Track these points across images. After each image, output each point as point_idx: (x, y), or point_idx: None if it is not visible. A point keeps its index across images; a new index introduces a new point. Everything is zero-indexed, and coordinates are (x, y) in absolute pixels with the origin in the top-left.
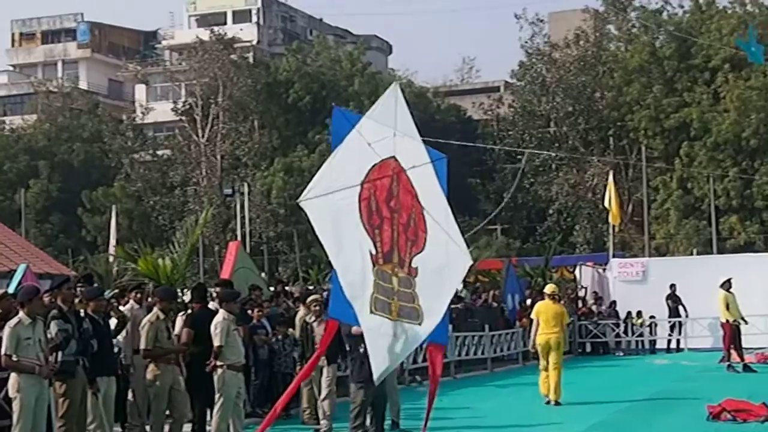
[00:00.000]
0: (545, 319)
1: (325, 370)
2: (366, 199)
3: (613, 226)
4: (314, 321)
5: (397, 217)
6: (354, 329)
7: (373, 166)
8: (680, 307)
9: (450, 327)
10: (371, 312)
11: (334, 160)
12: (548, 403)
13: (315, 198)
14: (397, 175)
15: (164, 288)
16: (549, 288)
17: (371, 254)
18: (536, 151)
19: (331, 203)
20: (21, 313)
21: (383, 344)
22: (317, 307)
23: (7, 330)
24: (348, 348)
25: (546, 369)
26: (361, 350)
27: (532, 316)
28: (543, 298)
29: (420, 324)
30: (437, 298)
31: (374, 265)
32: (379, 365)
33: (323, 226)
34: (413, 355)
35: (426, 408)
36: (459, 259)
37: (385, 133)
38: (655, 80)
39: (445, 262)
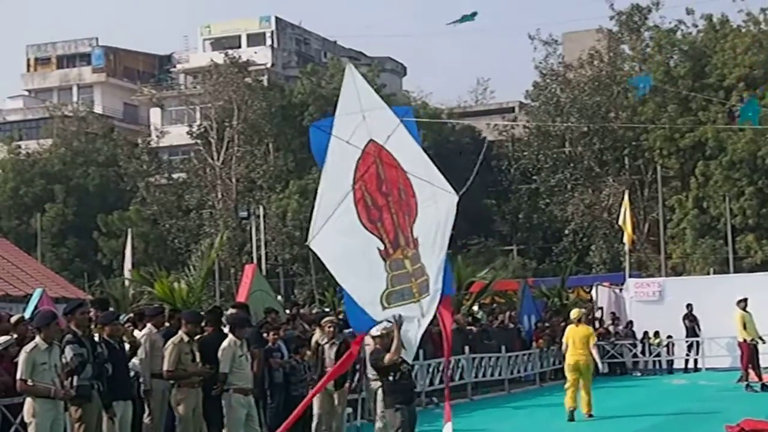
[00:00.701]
0: (573, 342)
1: (335, 396)
2: (361, 199)
3: (630, 246)
4: (326, 343)
5: (390, 199)
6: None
7: (358, 160)
8: (696, 327)
9: (467, 348)
10: (384, 308)
11: (324, 182)
12: (571, 417)
13: (318, 234)
14: (378, 157)
15: (191, 311)
16: (574, 313)
17: (380, 251)
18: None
19: (331, 228)
20: (37, 338)
21: (408, 328)
22: (330, 329)
23: (23, 355)
24: (375, 376)
25: (573, 386)
26: (391, 378)
27: (563, 340)
28: (560, 318)
29: (429, 292)
30: (438, 253)
31: (385, 261)
32: (409, 348)
33: (330, 257)
34: (430, 376)
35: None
36: (446, 200)
37: (355, 121)
38: (669, 100)
39: (435, 210)
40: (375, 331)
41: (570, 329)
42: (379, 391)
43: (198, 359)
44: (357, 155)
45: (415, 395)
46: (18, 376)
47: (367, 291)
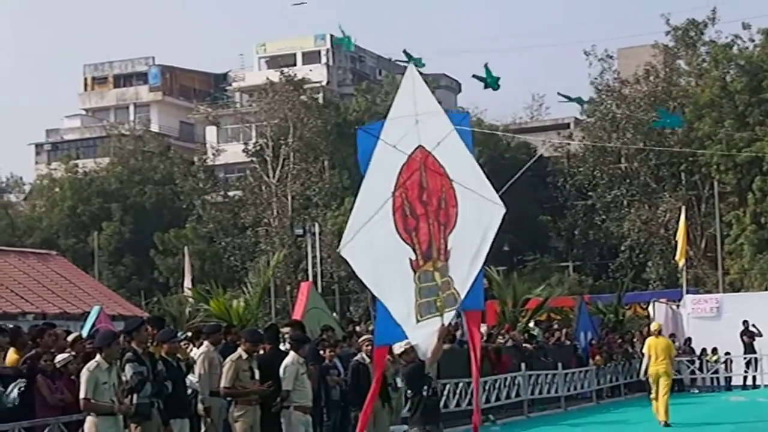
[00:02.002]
0: (654, 353)
1: (385, 413)
2: (400, 208)
3: (686, 262)
4: (369, 362)
5: (429, 208)
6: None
7: (402, 167)
8: (755, 343)
9: (523, 365)
10: (417, 321)
11: (364, 188)
12: (662, 424)
13: (350, 242)
14: (424, 164)
15: (251, 330)
16: (654, 325)
17: (411, 262)
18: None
19: (365, 236)
20: (99, 357)
21: (429, 342)
22: (369, 347)
23: (86, 373)
24: (408, 388)
25: (656, 398)
26: (424, 393)
27: (644, 351)
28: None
29: (455, 306)
30: (472, 264)
31: (415, 272)
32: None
33: (362, 265)
34: (487, 393)
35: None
36: (493, 212)
37: (407, 125)
38: (726, 115)
39: (477, 221)
40: (397, 348)
41: (650, 341)
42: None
43: (257, 376)
44: (402, 161)
45: (441, 415)
46: (81, 395)
47: (401, 305)
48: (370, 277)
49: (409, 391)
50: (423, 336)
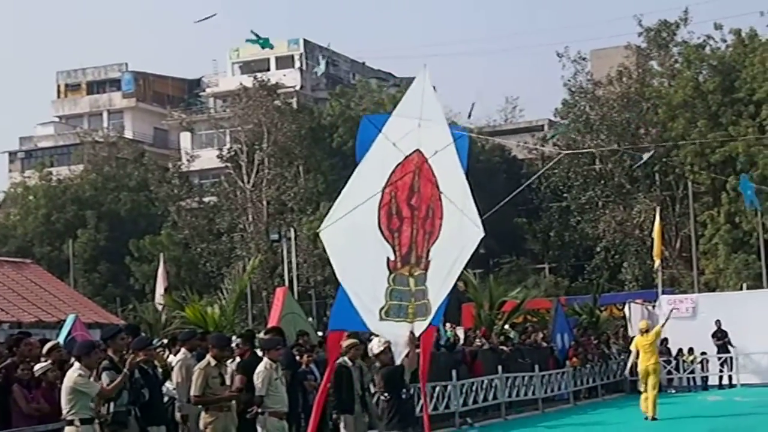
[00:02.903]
0: (642, 350)
1: (341, 424)
2: (386, 205)
3: (661, 262)
4: (351, 365)
5: (416, 213)
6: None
7: (397, 165)
8: (728, 343)
9: (500, 368)
10: (381, 319)
11: (355, 177)
12: (646, 419)
13: (330, 225)
14: (419, 168)
15: (218, 335)
16: (642, 324)
17: (388, 261)
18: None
19: (348, 222)
20: (78, 366)
21: (399, 343)
22: (352, 350)
23: (69, 384)
24: (384, 391)
25: (646, 391)
26: (403, 396)
27: (631, 348)
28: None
29: (427, 317)
30: (444, 282)
31: (391, 272)
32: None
33: (335, 249)
34: (464, 397)
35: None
36: (471, 233)
37: (409, 126)
38: (699, 115)
39: (457, 239)
40: (376, 347)
41: (637, 338)
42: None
43: (227, 382)
44: (398, 159)
45: (416, 419)
46: (63, 404)
47: (365, 295)
48: (339, 262)
49: (386, 394)
50: (389, 335)
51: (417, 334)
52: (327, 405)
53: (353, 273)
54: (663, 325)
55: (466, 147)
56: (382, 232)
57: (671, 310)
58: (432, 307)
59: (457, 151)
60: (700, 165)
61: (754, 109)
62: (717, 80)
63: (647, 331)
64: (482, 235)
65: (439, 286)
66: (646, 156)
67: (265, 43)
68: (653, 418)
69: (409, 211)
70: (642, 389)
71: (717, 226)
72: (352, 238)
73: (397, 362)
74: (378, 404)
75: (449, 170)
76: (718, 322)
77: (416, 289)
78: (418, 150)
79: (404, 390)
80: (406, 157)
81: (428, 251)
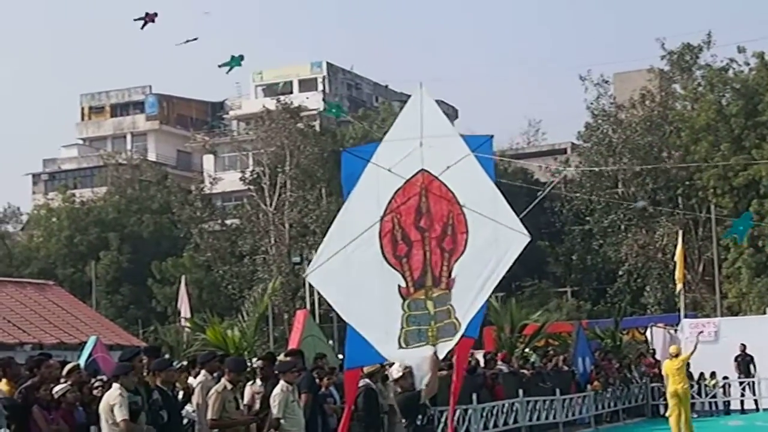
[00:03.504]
0: (672, 374)
1: None
2: (389, 232)
3: (684, 286)
4: (376, 385)
5: (428, 234)
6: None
7: (396, 191)
8: (753, 366)
9: (521, 392)
10: (400, 347)
11: (344, 214)
12: None
13: (320, 267)
14: (425, 189)
15: (234, 359)
16: (673, 348)
17: (400, 288)
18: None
19: (341, 260)
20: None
21: (423, 368)
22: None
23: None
24: (402, 416)
25: (674, 412)
26: (419, 422)
27: (664, 373)
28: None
29: (455, 336)
30: (478, 294)
31: (404, 299)
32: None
33: (332, 291)
34: (485, 420)
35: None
36: (512, 240)
37: (408, 148)
38: (722, 138)
39: (491, 248)
40: (396, 372)
41: (666, 362)
42: None
43: (242, 407)
44: (397, 185)
45: None
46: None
47: (376, 330)
48: (341, 304)
49: (403, 420)
50: (411, 360)
51: (442, 355)
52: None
53: (358, 310)
54: (693, 352)
55: (490, 152)
56: (388, 261)
57: (698, 334)
58: (461, 323)
59: (479, 160)
60: (723, 188)
61: None
62: (740, 103)
63: (677, 355)
64: (528, 239)
65: (471, 299)
66: (640, 203)
67: (236, 62)
68: None
69: (419, 234)
70: (668, 413)
71: (740, 249)
72: (350, 274)
73: (418, 386)
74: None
75: (470, 181)
76: (742, 346)
77: (436, 310)
78: (423, 170)
79: (421, 416)
80: (407, 180)
81: (450, 269)
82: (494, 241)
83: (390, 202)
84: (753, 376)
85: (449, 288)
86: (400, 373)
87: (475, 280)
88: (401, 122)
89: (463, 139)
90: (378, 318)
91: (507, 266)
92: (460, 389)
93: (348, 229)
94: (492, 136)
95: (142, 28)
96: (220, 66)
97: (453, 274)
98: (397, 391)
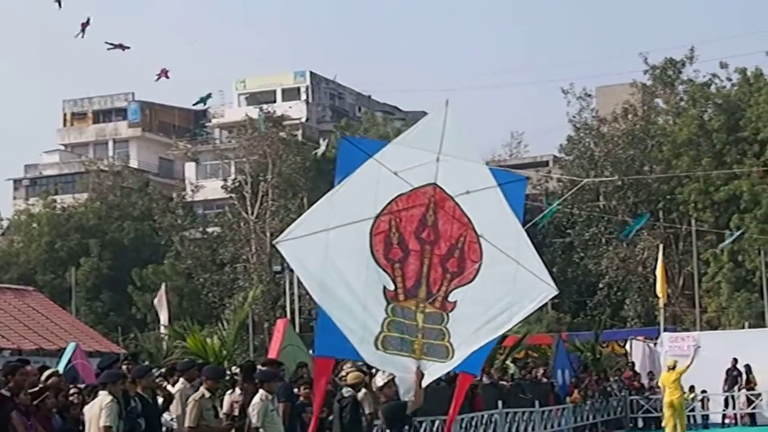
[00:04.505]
0: (668, 385)
1: None
2: (383, 233)
3: (664, 300)
4: (358, 395)
5: (429, 248)
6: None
7: (400, 195)
8: (740, 380)
9: (500, 403)
10: (377, 349)
11: (333, 196)
12: None
13: (296, 239)
14: (435, 204)
15: (212, 367)
16: (670, 361)
17: (386, 290)
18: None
19: (320, 240)
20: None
21: (404, 377)
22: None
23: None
24: (387, 427)
25: (670, 423)
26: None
27: (660, 384)
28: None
29: (446, 360)
30: (482, 329)
31: (390, 302)
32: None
33: (306, 266)
34: (464, 431)
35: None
36: (533, 287)
37: (422, 158)
38: (704, 153)
39: (508, 290)
40: (379, 380)
41: (663, 374)
42: None
43: (220, 415)
44: (402, 189)
45: None
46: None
47: (355, 320)
48: (312, 284)
49: (388, 430)
50: (389, 366)
51: (430, 377)
52: None
53: (333, 297)
54: (689, 366)
55: (522, 194)
56: (376, 260)
57: (696, 349)
58: (455, 351)
59: (506, 196)
60: (704, 203)
61: (758, 147)
62: (722, 119)
63: (673, 368)
64: (555, 292)
65: (472, 331)
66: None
67: (205, 99)
68: None
69: (418, 245)
70: (663, 424)
71: (720, 264)
72: (327, 258)
73: (403, 398)
74: None
75: (493, 213)
76: (734, 360)
77: (425, 326)
78: (434, 184)
79: (406, 426)
80: (415, 188)
81: (448, 291)
82: (512, 281)
83: (390, 203)
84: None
85: (445, 310)
86: (384, 381)
87: (480, 314)
88: (418, 131)
89: (490, 170)
90: (357, 312)
91: (525, 313)
92: (450, 400)
93: (334, 214)
94: (527, 179)
95: (111, 48)
96: (194, 104)
97: (452, 298)
98: (381, 400)
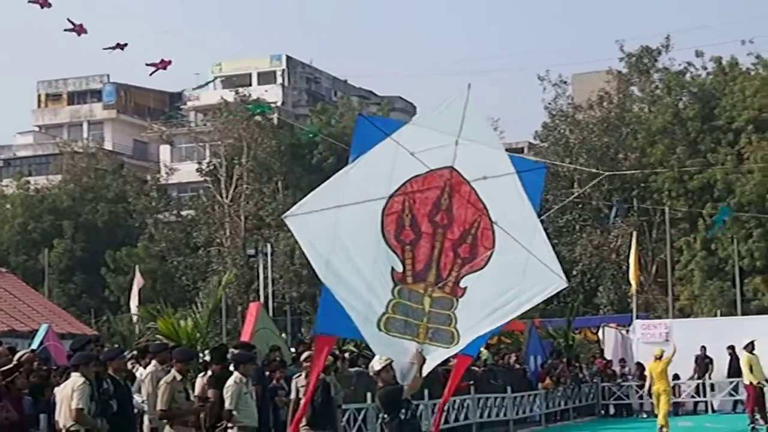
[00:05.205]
0: (655, 375)
1: None
2: (395, 213)
3: (637, 287)
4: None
5: (442, 231)
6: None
7: (415, 176)
8: (710, 368)
9: (472, 388)
10: (379, 331)
11: (347, 174)
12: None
13: (305, 214)
14: (450, 187)
15: (182, 349)
16: (657, 351)
17: (393, 271)
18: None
19: (329, 218)
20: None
21: (402, 360)
22: (309, 364)
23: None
24: (384, 412)
25: (662, 411)
26: (402, 416)
27: (646, 373)
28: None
29: (450, 346)
30: (489, 317)
31: (397, 284)
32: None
33: (314, 243)
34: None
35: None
36: (543, 278)
37: (441, 140)
38: (678, 141)
39: (518, 279)
40: (377, 365)
41: (650, 364)
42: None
43: (192, 397)
44: (418, 170)
45: None
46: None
47: (359, 299)
48: (319, 260)
49: (385, 416)
50: (387, 348)
51: (433, 362)
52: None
53: (339, 274)
54: (673, 355)
55: (541, 183)
56: (387, 240)
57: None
58: (460, 337)
59: (524, 184)
60: (678, 191)
61: (732, 137)
62: (696, 107)
63: (660, 358)
64: (564, 284)
65: (478, 319)
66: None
67: (174, 111)
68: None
69: (431, 227)
70: (656, 411)
71: (693, 252)
72: (336, 235)
73: (400, 381)
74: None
75: (509, 201)
76: (702, 348)
77: (432, 311)
78: (451, 168)
79: (404, 410)
80: (432, 170)
81: (459, 277)
82: (522, 271)
83: (405, 184)
84: (710, 378)
85: (455, 296)
86: (382, 365)
87: (489, 301)
88: (438, 114)
89: (509, 157)
90: (362, 291)
91: (532, 303)
92: (444, 403)
93: (346, 191)
94: (545, 167)
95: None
96: (194, 89)
97: (463, 284)
98: (378, 384)
